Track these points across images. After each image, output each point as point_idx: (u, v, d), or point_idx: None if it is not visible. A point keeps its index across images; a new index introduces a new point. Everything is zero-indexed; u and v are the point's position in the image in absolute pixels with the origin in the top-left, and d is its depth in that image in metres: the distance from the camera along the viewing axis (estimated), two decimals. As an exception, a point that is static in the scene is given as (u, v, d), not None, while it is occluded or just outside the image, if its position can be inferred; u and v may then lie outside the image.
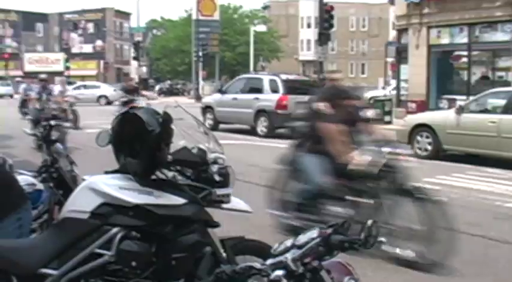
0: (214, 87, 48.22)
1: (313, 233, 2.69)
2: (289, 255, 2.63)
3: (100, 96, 50.81)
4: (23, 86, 33.02)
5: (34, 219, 5.60)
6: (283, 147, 17.70)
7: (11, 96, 57.60)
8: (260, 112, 22.07)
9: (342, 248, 2.61)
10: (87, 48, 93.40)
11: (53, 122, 15.26)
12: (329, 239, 2.61)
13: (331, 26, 30.89)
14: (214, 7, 61.35)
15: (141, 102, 16.88)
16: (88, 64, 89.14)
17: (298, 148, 8.22)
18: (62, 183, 5.47)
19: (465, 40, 26.06)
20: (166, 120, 3.88)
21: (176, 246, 3.90)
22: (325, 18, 29.97)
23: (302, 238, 2.69)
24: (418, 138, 16.11)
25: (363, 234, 2.58)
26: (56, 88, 27.50)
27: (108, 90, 50.70)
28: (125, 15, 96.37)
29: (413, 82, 27.55)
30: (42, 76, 20.61)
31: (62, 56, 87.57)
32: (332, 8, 30.13)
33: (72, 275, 3.76)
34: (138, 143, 3.92)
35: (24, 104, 29.27)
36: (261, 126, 22.05)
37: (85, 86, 53.42)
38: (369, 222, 2.61)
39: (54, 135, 14.00)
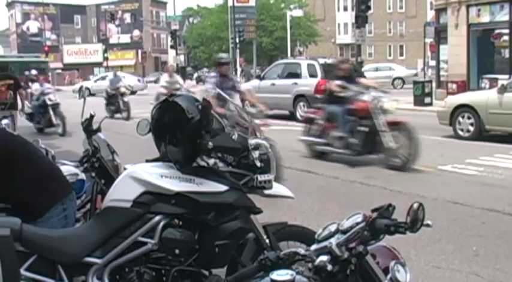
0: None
1: (358, 217, 2.65)
2: (333, 241, 2.60)
3: (124, 87, 51.07)
4: (109, 77, 27.07)
5: (77, 209, 5.65)
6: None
7: None
8: (299, 97, 21.96)
9: (387, 232, 2.57)
10: (125, 38, 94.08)
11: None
12: (374, 223, 2.57)
13: (368, 8, 30.56)
14: (250, -7, 61.27)
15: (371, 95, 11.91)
16: (126, 54, 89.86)
17: None
18: (104, 172, 5.49)
19: (506, 17, 25.50)
20: (206, 107, 3.86)
21: (219, 233, 3.90)
22: (362, 1, 29.66)
23: (346, 223, 2.66)
24: (460, 119, 15.86)
25: (409, 218, 2.53)
26: (163, 78, 20.29)
27: (132, 80, 50.77)
28: (161, 4, 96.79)
29: (453, 62, 27.14)
30: (223, 57, 12.50)
31: (100, 46, 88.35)
32: (369, -11, 29.83)
33: (116, 264, 3.80)
34: (179, 130, 3.91)
35: (112, 100, 24.28)
36: (300, 111, 21.93)
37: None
38: (415, 205, 2.56)
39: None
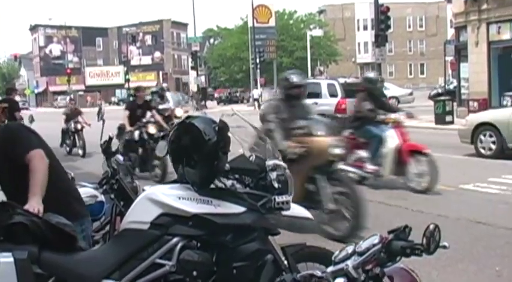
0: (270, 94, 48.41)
1: (375, 239, 2.62)
2: (350, 262, 2.57)
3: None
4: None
5: (97, 231, 5.68)
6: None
7: None
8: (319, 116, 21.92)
9: (403, 254, 2.54)
10: (146, 60, 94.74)
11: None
12: (390, 245, 2.55)
13: (388, 27, 30.54)
14: (269, 14, 61.74)
15: None
16: (147, 76, 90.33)
17: None
18: (123, 194, 5.52)
19: (527, 35, 25.44)
20: (222, 128, 3.87)
21: (237, 255, 3.89)
22: (382, 20, 29.65)
23: (363, 244, 2.64)
24: (482, 137, 15.74)
25: (425, 239, 2.50)
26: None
27: None
28: (182, 26, 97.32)
29: (474, 80, 27.02)
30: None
31: (121, 68, 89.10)
32: (388, 9, 29.76)
33: (133, 286, 3.79)
34: (196, 152, 3.91)
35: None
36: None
37: None
38: (431, 226, 2.53)
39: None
